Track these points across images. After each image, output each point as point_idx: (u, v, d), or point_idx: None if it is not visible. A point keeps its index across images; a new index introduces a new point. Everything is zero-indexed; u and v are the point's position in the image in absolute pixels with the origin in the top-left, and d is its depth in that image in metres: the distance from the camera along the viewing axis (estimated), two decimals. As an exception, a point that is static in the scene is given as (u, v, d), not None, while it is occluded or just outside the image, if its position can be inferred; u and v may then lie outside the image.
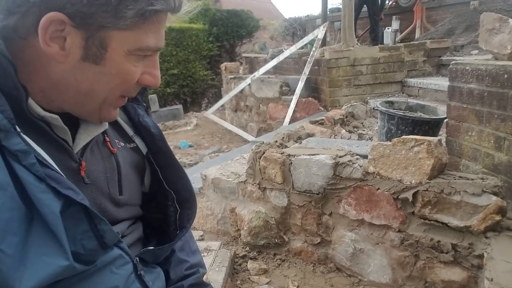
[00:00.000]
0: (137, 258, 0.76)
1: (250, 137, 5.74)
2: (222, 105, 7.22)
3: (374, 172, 1.88)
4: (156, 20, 0.64)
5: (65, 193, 0.58)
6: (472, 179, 1.65)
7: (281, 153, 2.22)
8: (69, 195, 0.58)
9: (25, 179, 0.56)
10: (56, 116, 0.66)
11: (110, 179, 0.76)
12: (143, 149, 0.87)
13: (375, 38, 6.81)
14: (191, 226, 0.93)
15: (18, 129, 0.57)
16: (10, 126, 0.56)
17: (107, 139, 0.79)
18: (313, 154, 2.09)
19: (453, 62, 2.18)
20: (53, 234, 0.57)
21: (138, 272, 0.74)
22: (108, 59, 0.63)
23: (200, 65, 9.89)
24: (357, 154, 2.08)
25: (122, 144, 0.83)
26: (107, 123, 0.77)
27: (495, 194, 1.57)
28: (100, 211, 0.65)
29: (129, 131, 0.87)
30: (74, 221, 0.59)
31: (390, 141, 1.84)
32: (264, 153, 2.29)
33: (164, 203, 0.89)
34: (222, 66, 7.81)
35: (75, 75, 0.63)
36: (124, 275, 0.70)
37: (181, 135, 6.73)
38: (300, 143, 2.60)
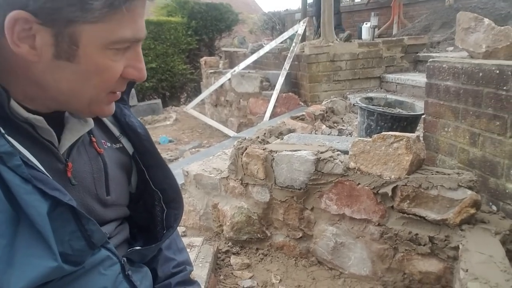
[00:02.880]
0: (125, 259, 0.76)
1: (230, 132, 5.73)
2: (202, 100, 7.16)
3: (354, 168, 1.91)
4: (128, 9, 0.59)
5: (52, 194, 0.57)
6: (449, 174, 1.71)
7: (263, 149, 2.23)
8: (56, 196, 0.58)
9: (11, 180, 0.55)
10: (40, 118, 0.64)
11: (97, 179, 0.76)
12: (130, 149, 0.87)
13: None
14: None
15: (2, 131, 0.56)
16: None
17: (94, 139, 0.78)
18: (295, 150, 2.12)
19: (430, 60, 2.23)
20: (40, 235, 0.56)
21: (126, 272, 0.75)
22: (82, 56, 0.60)
23: (179, 59, 9.75)
24: (338, 150, 2.11)
25: (109, 144, 0.83)
26: (92, 122, 0.76)
27: (470, 188, 1.64)
28: (87, 212, 0.65)
29: (115, 131, 0.86)
30: (61, 222, 0.59)
31: (370, 136, 1.88)
32: (246, 149, 2.30)
33: (151, 203, 0.89)
34: (202, 60, 7.72)
35: (53, 74, 0.61)
36: (112, 276, 0.71)
37: (160, 130, 6.65)
38: (282, 139, 2.62)
